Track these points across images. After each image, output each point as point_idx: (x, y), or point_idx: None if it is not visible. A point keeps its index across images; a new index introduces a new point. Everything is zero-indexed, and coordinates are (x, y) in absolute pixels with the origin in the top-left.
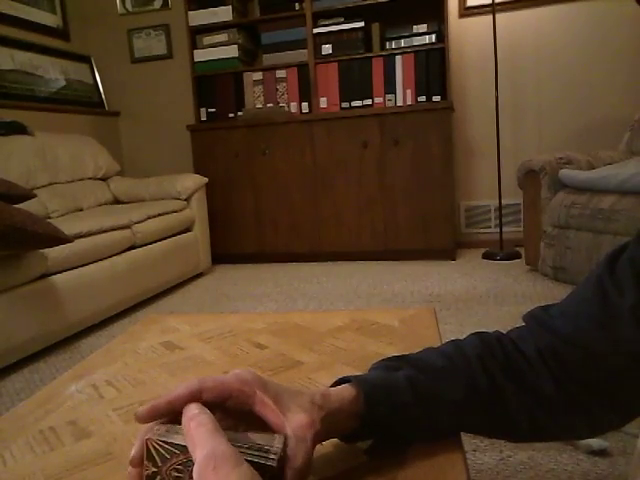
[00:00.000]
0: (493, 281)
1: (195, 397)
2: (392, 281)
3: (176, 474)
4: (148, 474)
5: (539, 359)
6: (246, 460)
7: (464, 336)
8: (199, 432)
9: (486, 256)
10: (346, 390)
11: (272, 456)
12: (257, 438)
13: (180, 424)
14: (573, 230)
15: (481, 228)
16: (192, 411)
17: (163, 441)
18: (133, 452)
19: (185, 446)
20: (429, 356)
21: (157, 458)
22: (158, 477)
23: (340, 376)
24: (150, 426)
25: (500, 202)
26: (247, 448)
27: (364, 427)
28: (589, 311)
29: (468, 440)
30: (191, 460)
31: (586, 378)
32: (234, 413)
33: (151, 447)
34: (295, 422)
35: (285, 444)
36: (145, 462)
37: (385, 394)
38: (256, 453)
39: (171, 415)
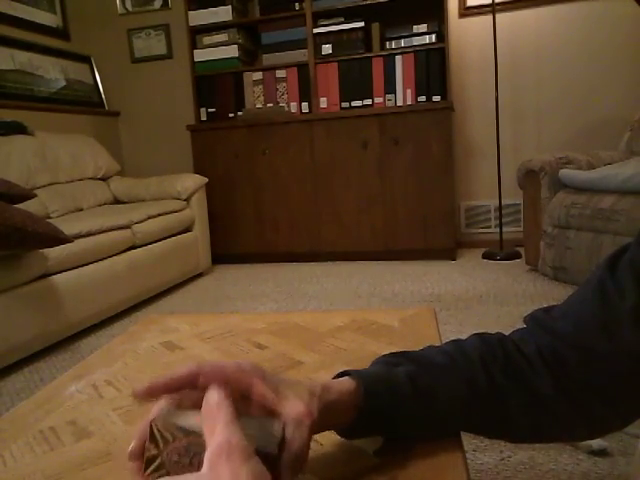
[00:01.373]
0: (493, 281)
1: (192, 380)
2: (392, 281)
3: (176, 458)
4: (149, 456)
5: (540, 360)
6: None
7: (464, 336)
8: (217, 420)
9: (486, 256)
10: (346, 382)
11: (273, 442)
12: (256, 421)
13: (179, 407)
14: (573, 230)
15: (481, 228)
16: (214, 397)
17: (168, 423)
18: (131, 446)
19: (189, 430)
20: (430, 353)
21: (160, 440)
22: (158, 459)
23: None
24: (147, 421)
25: (500, 202)
26: (248, 435)
27: (362, 420)
28: (590, 312)
29: (468, 440)
30: (193, 445)
31: (587, 379)
32: (233, 399)
33: (155, 429)
34: (292, 409)
35: (283, 429)
36: (147, 444)
37: (384, 388)
38: (257, 440)
39: (167, 394)
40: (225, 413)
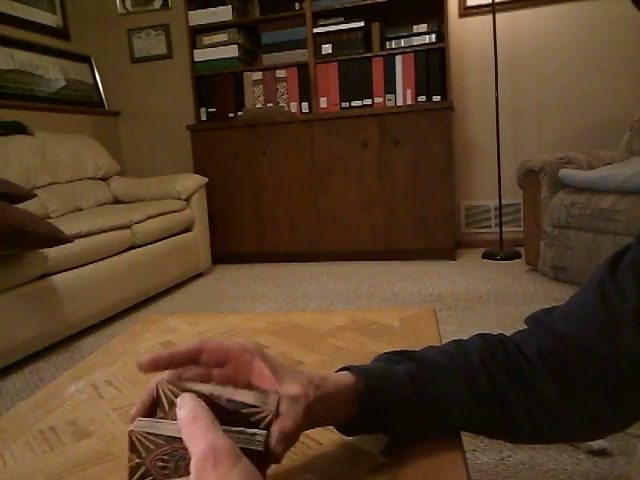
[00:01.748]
0: (493, 281)
1: (195, 356)
2: (392, 281)
3: (161, 464)
4: (132, 465)
5: (541, 361)
6: None
7: (464, 336)
8: (196, 426)
9: (486, 256)
10: (346, 376)
11: (258, 439)
12: (251, 396)
13: (180, 379)
14: (573, 230)
15: (481, 228)
16: (187, 403)
17: (147, 432)
18: (133, 412)
19: (170, 437)
20: (430, 353)
21: (141, 449)
22: (143, 468)
23: None
24: (149, 388)
25: (500, 202)
26: (235, 433)
27: (361, 417)
28: (591, 313)
29: (468, 440)
30: (177, 450)
31: (588, 380)
32: (232, 377)
33: (135, 439)
34: (289, 389)
35: (278, 403)
36: (129, 454)
37: (384, 385)
38: (243, 438)
39: (170, 367)
40: (202, 418)
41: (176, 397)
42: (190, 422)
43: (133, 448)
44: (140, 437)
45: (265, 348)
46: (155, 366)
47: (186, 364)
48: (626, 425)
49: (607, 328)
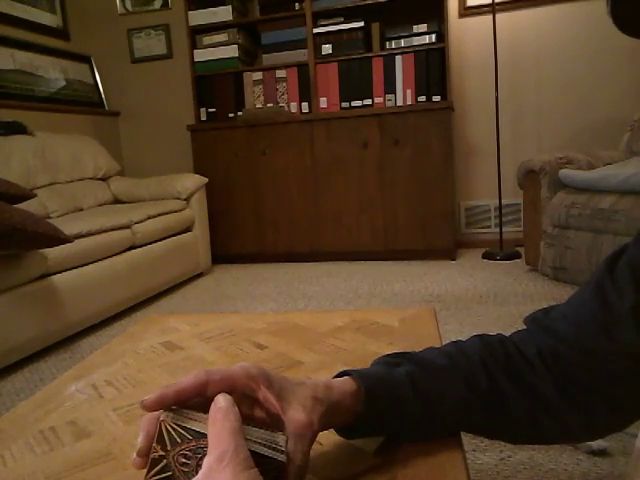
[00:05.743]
0: (493, 281)
1: (201, 390)
2: (392, 281)
3: (183, 460)
4: (154, 457)
5: (540, 361)
6: (258, 453)
7: (464, 336)
8: (224, 427)
9: (486, 256)
10: (347, 383)
11: (282, 452)
12: (261, 434)
13: (186, 405)
14: (573, 230)
15: (481, 228)
16: (221, 403)
17: (178, 424)
18: (140, 444)
19: (199, 432)
20: (430, 354)
21: (168, 441)
22: (164, 461)
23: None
24: (151, 416)
25: (500, 202)
26: (259, 443)
27: (362, 421)
28: (589, 313)
29: (468, 440)
30: (201, 447)
31: (586, 380)
32: (237, 405)
33: (164, 429)
34: (295, 422)
35: (286, 443)
36: (154, 445)
37: (385, 389)
38: (267, 448)
39: (177, 404)
40: (231, 420)
41: (180, 438)
42: (220, 420)
43: (160, 439)
44: (170, 428)
45: (265, 348)
46: (161, 405)
47: (193, 399)
48: (625, 425)
49: (605, 328)
